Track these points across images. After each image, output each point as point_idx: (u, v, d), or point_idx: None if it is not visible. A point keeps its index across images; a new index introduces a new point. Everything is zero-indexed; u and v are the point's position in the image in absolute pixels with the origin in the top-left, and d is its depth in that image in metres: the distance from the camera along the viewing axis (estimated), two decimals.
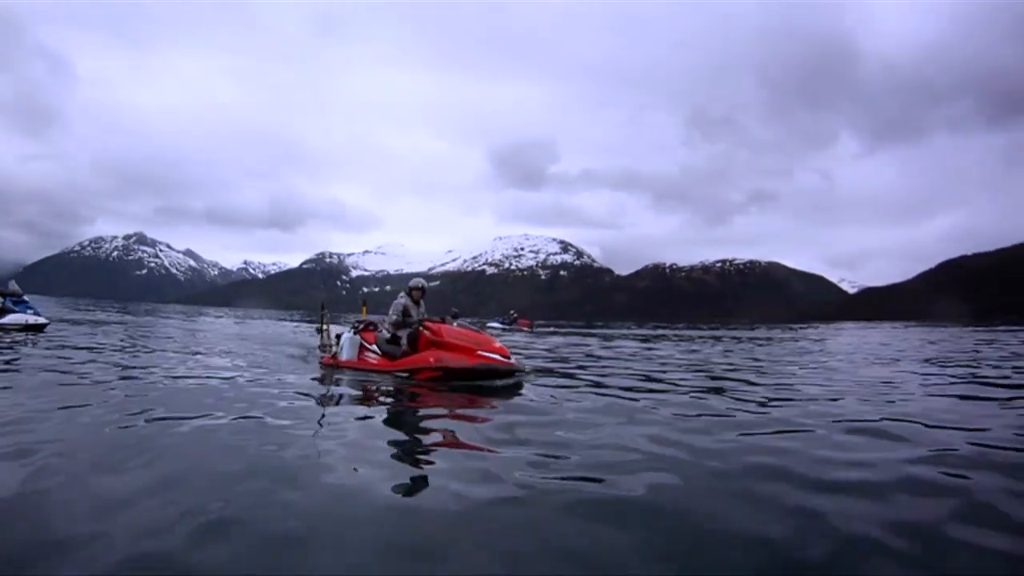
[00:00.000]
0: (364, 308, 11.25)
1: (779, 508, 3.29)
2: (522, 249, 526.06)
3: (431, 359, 8.59)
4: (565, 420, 5.70)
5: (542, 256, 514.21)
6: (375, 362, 9.59)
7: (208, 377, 8.47)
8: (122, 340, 15.07)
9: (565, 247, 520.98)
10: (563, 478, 3.79)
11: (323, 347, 10.65)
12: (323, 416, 5.77)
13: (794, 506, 3.31)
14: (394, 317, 9.54)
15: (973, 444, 4.66)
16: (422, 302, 10.00)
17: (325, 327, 10.73)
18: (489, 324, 37.07)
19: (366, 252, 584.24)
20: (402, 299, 9.75)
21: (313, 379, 8.84)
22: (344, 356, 9.87)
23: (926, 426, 5.43)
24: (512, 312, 40.36)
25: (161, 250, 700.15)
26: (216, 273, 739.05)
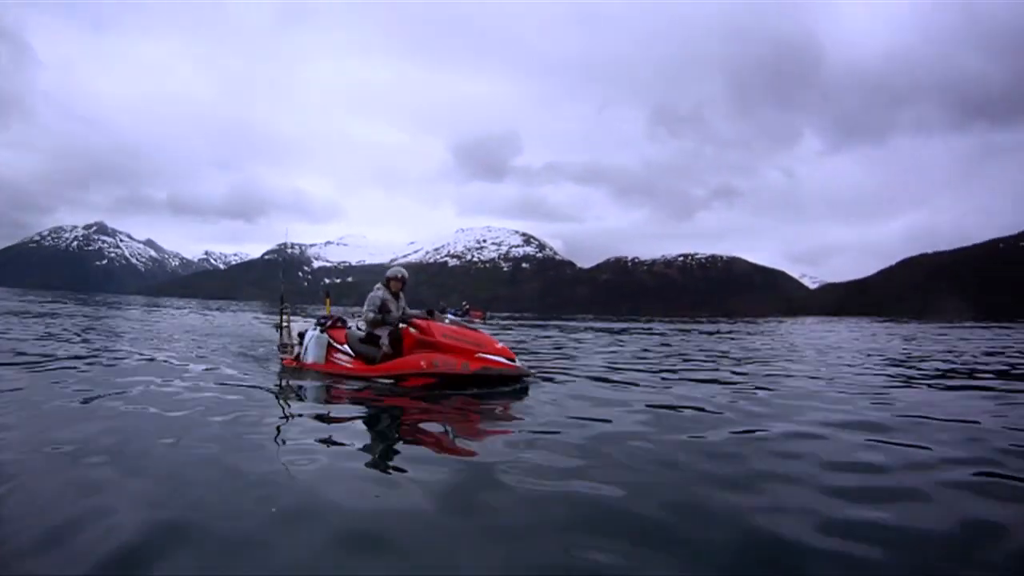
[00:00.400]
0: (328, 301, 9.78)
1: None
2: (484, 241, 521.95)
3: (422, 363, 7.37)
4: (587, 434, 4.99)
5: (504, 248, 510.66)
6: (348, 365, 8.33)
7: (148, 384, 7.17)
8: (63, 334, 13.44)
9: (527, 240, 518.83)
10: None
11: (283, 347, 9.23)
12: (280, 427, 5.13)
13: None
14: (370, 314, 8.21)
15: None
16: (402, 294, 8.64)
17: (285, 324, 9.30)
18: (445, 310, 35.54)
19: (328, 243, 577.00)
20: (379, 291, 8.43)
21: (274, 386, 7.60)
22: (309, 358, 8.53)
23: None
24: (464, 303, 39.69)
25: (122, 240, 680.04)
26: (177, 263, 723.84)
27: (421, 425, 5.48)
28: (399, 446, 4.77)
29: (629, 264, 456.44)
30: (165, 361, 9.28)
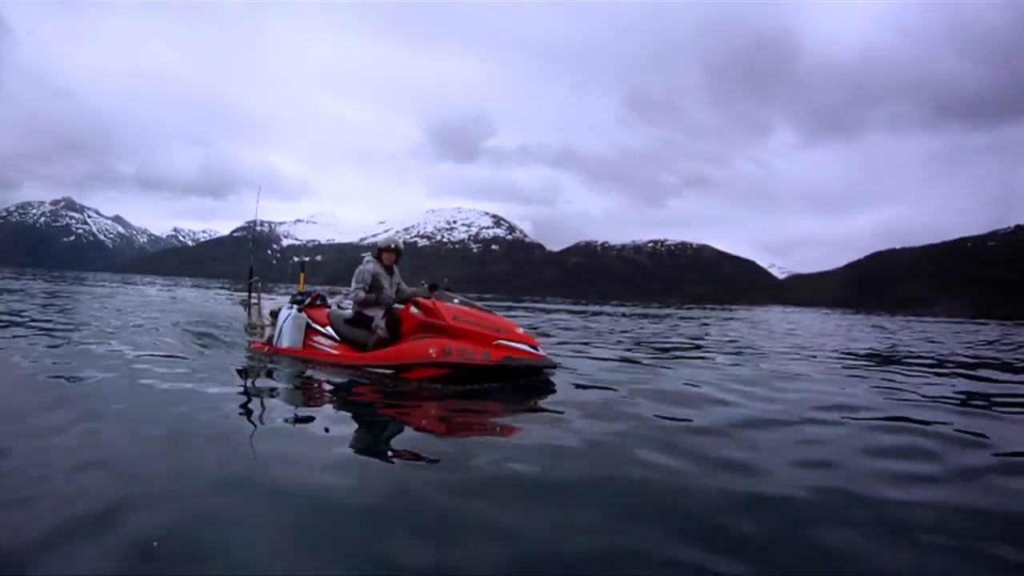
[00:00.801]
0: (302, 277, 8.40)
1: None
2: (454, 222, 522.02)
3: (431, 350, 6.10)
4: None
5: (474, 230, 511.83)
6: (333, 352, 6.99)
7: (83, 375, 5.84)
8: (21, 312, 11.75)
9: (497, 221, 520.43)
10: None
11: (252, 328, 7.86)
12: (245, 429, 4.20)
13: None
14: (360, 291, 6.93)
15: None
16: (396, 268, 7.31)
17: (255, 301, 7.90)
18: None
19: (298, 221, 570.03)
20: (368, 264, 7.13)
21: (239, 375, 6.33)
22: (285, 341, 7.16)
23: None
24: (423, 282, 37.05)
25: (90, 216, 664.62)
26: (145, 240, 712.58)
27: (423, 423, 4.88)
28: (394, 450, 3.95)
29: (599, 249, 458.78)
30: (108, 346, 7.81)
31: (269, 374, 6.40)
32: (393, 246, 7.18)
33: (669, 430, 4.48)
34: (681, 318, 26.53)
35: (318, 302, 7.49)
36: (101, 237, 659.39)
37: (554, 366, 6.53)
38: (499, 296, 65.57)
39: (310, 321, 7.20)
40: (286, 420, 4.50)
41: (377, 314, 6.77)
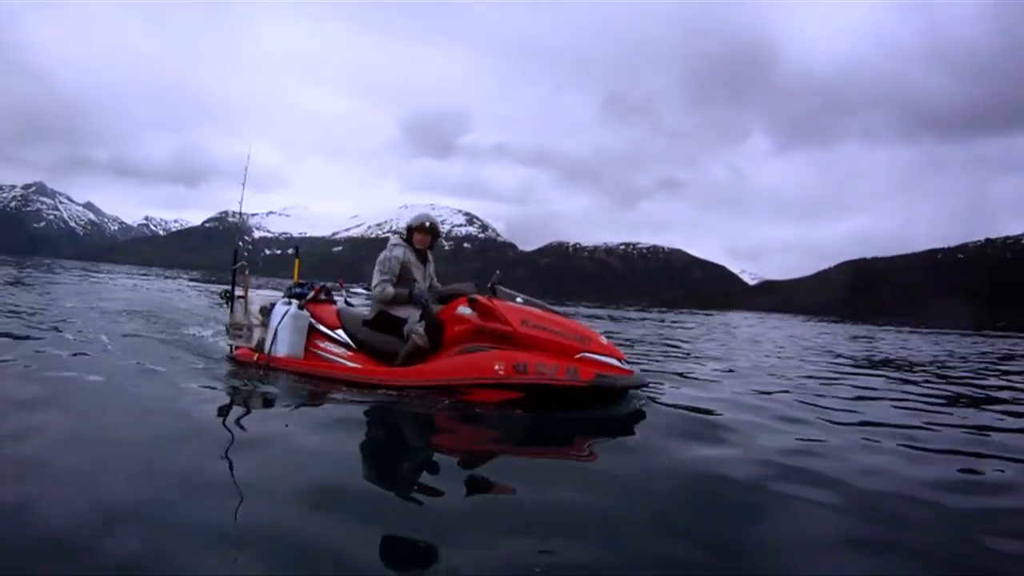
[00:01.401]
0: (297, 263, 6.60)
1: None
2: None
3: (497, 366, 4.58)
4: None
5: (447, 227, 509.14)
6: (349, 364, 5.27)
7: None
8: None
9: (470, 219, 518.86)
10: None
11: (237, 328, 6.03)
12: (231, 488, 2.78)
13: None
14: (387, 285, 5.27)
15: None
16: (431, 256, 5.60)
17: (241, 293, 6.06)
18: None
19: (270, 213, 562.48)
20: (397, 249, 5.41)
21: (223, 394, 4.64)
22: (281, 348, 5.39)
23: None
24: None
25: (61, 202, 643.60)
26: (116, 228, 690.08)
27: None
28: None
29: (570, 249, 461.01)
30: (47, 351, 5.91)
31: (259, 397, 4.70)
32: (428, 224, 5.43)
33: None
34: (672, 323, 25.09)
35: (323, 297, 5.72)
36: (72, 224, 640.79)
37: (646, 384, 5.03)
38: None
39: (314, 321, 5.46)
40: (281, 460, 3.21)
41: (411, 315, 5.07)
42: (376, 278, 5.21)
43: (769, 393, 6.29)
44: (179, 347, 6.39)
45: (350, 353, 5.26)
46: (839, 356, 12.58)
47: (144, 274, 40.84)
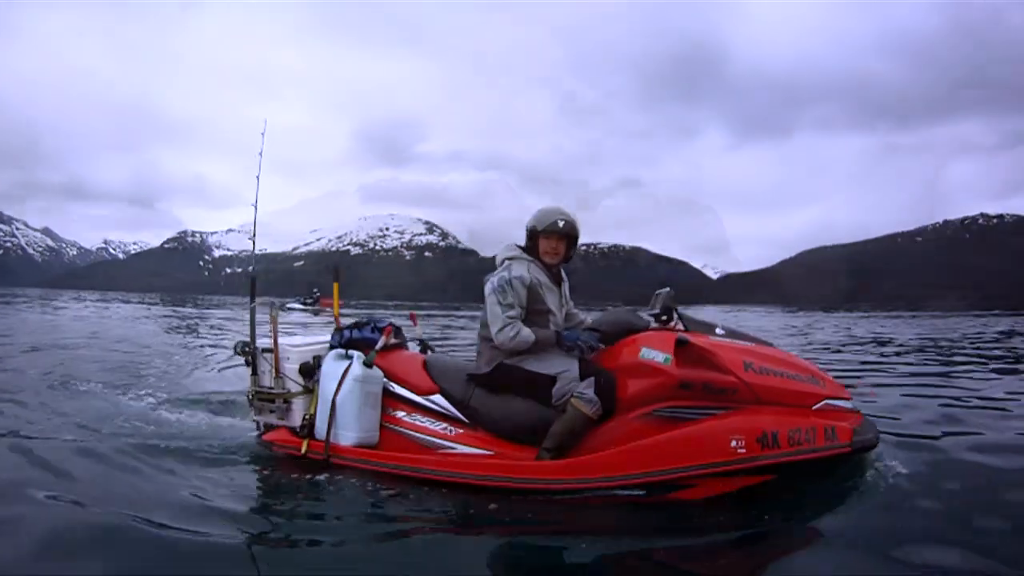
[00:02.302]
0: (336, 289, 4.53)
1: None
2: (387, 229, 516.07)
3: (733, 440, 2.90)
4: None
5: (407, 236, 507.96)
6: (462, 450, 3.38)
7: None
8: None
9: (431, 228, 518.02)
10: None
11: (264, 400, 3.85)
12: None
13: None
14: (521, 327, 3.33)
15: None
16: (564, 275, 3.65)
17: (270, 346, 3.89)
18: (288, 305, 28.72)
19: (229, 231, 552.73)
20: (519, 267, 3.44)
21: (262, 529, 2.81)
22: (347, 433, 3.44)
23: None
24: (316, 291, 31.85)
25: (17, 228, 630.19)
26: (75, 253, 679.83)
27: None
28: None
29: None
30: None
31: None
32: (563, 225, 3.47)
33: None
34: None
35: (393, 340, 3.74)
36: (30, 251, 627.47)
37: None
38: (434, 305, 62.30)
39: (391, 383, 3.51)
40: None
41: (562, 366, 3.22)
42: (495, 315, 3.26)
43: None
44: (190, 448, 4.25)
45: (460, 432, 3.33)
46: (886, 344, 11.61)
47: (102, 301, 37.97)
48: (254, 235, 3.88)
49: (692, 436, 2.92)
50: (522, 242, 3.54)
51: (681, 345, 3.06)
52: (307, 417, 3.52)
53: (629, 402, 3.10)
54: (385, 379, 3.50)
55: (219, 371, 7.32)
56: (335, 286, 4.37)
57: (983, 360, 9.26)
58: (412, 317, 4.36)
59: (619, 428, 3.08)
